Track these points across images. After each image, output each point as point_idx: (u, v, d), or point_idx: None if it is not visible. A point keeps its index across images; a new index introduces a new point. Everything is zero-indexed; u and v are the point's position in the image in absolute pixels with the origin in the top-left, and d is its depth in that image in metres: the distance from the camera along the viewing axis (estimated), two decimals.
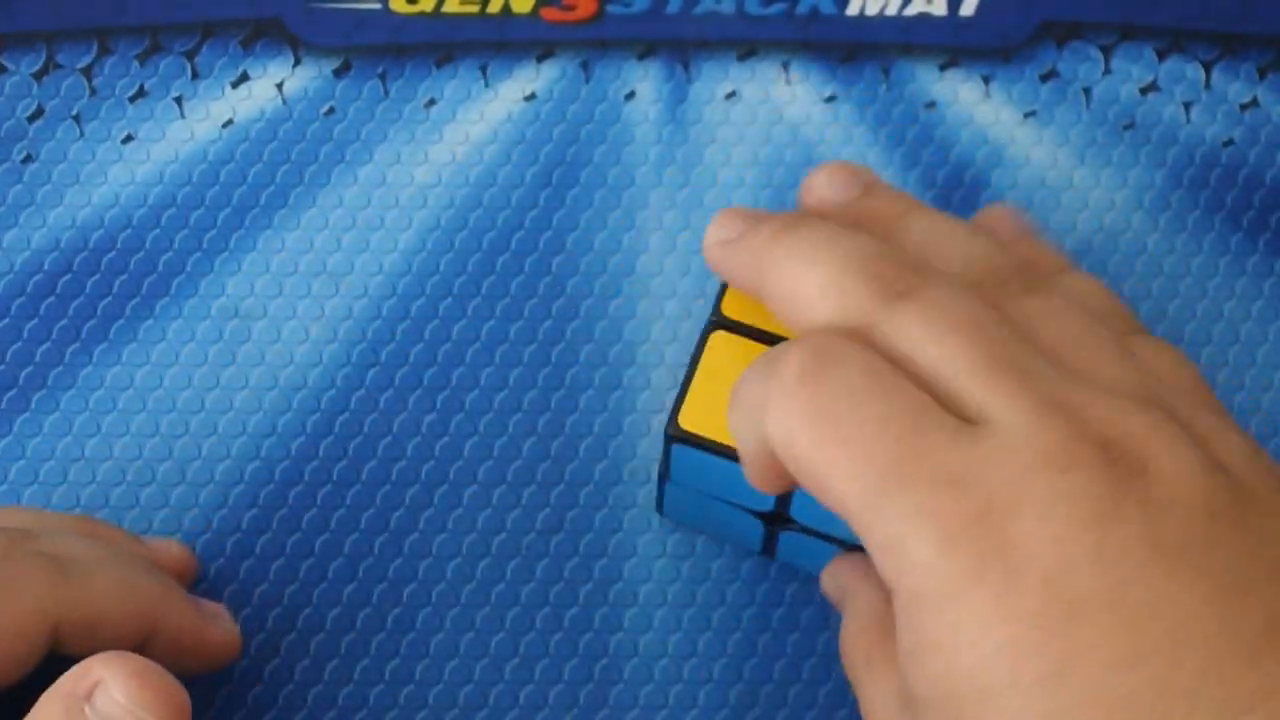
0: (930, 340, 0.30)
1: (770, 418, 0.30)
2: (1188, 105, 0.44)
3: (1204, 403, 0.32)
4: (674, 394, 0.40)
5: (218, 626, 0.36)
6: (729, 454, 0.35)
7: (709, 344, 0.36)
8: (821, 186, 0.37)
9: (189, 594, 0.37)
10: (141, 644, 0.34)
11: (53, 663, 0.33)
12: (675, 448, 0.35)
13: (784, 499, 0.36)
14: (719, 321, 0.36)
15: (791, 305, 0.32)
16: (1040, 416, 0.29)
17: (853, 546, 0.36)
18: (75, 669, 0.31)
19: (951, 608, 0.28)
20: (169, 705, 0.31)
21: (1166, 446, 0.29)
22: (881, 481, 0.29)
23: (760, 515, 0.37)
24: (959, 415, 0.30)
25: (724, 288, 0.36)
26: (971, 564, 0.28)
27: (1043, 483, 0.28)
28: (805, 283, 0.32)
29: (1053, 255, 0.38)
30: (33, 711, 0.31)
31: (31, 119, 0.43)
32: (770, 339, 0.36)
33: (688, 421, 0.35)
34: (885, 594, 0.32)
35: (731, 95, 0.44)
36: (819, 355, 0.30)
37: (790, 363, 0.30)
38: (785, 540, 0.38)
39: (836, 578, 0.36)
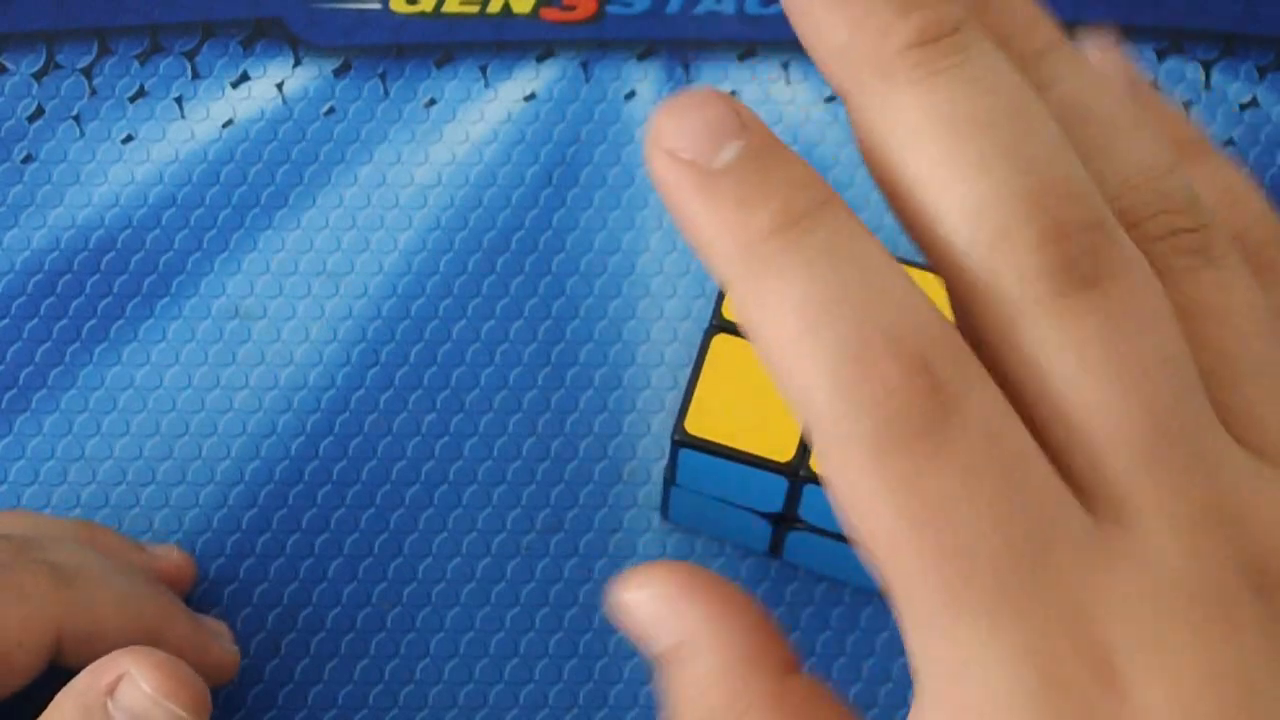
0: (1098, 374, 0.22)
1: (839, 472, 0.22)
2: (1188, 105, 0.44)
3: None
4: (674, 394, 0.40)
5: (218, 645, 0.36)
6: (737, 457, 0.35)
7: (711, 348, 0.36)
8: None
9: (191, 610, 0.37)
10: None
11: (51, 677, 0.33)
12: (683, 452, 0.35)
13: (792, 500, 0.36)
14: (720, 325, 0.36)
15: (922, 220, 0.23)
16: (1191, 535, 0.22)
17: None
18: (95, 665, 0.31)
19: None
20: (193, 696, 0.31)
21: None
22: (976, 609, 0.21)
23: (768, 516, 0.37)
24: (1091, 495, 0.22)
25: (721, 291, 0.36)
26: (1073, 709, 0.21)
27: (1180, 632, 0.21)
28: (952, 191, 0.22)
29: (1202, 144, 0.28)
30: (47, 712, 0.31)
31: (32, 119, 0.43)
32: None
33: (694, 426, 0.35)
34: (743, 653, 0.24)
35: (731, 95, 0.44)
36: (932, 397, 0.21)
37: (891, 403, 0.21)
38: (793, 540, 0.38)
39: (665, 618, 0.24)
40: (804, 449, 0.35)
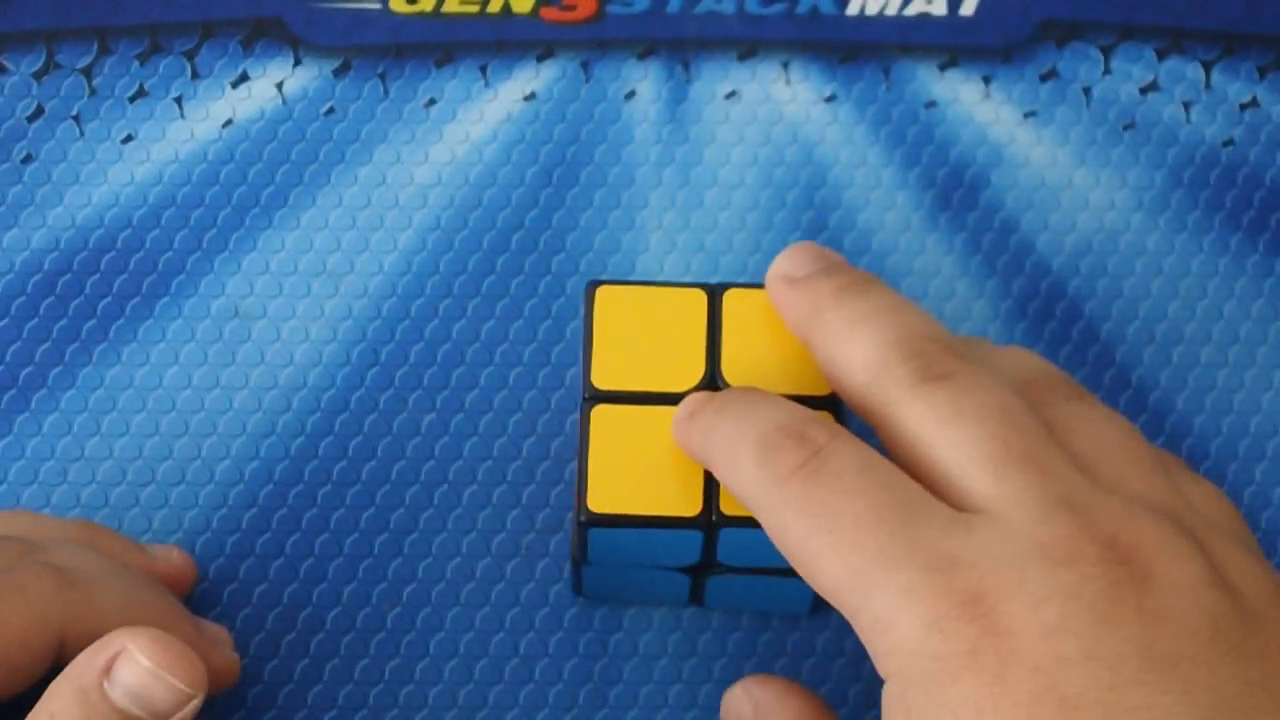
0: (950, 424, 0.31)
1: (759, 510, 0.31)
2: (1187, 105, 0.44)
3: (1233, 534, 0.32)
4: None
5: (218, 652, 0.36)
6: (646, 522, 0.35)
7: (592, 421, 0.35)
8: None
9: (193, 615, 0.37)
10: None
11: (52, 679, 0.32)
12: (592, 532, 0.35)
13: (709, 547, 0.35)
14: (594, 397, 0.36)
15: (831, 366, 0.33)
16: (1045, 510, 0.29)
17: (787, 571, 0.36)
18: (92, 646, 0.32)
19: (942, 691, 0.28)
20: (191, 669, 0.32)
21: (1174, 557, 0.29)
22: (871, 565, 0.29)
23: (688, 570, 0.37)
24: (961, 506, 0.30)
25: (588, 359, 0.36)
26: (962, 647, 0.28)
27: (1037, 573, 0.28)
28: (852, 349, 0.33)
29: None
30: (41, 700, 0.31)
31: (31, 119, 0.43)
32: (649, 398, 0.35)
33: (597, 503, 0.35)
34: (807, 709, 0.35)
35: (731, 95, 0.44)
36: (813, 452, 0.31)
37: (785, 460, 0.31)
38: (713, 585, 0.37)
39: (749, 694, 0.36)
40: (709, 497, 0.35)
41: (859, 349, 0.33)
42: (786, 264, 0.35)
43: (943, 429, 0.31)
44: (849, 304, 0.34)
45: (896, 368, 0.32)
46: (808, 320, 0.34)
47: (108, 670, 0.31)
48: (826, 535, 0.30)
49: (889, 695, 0.29)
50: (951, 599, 0.28)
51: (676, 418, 0.35)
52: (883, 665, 0.29)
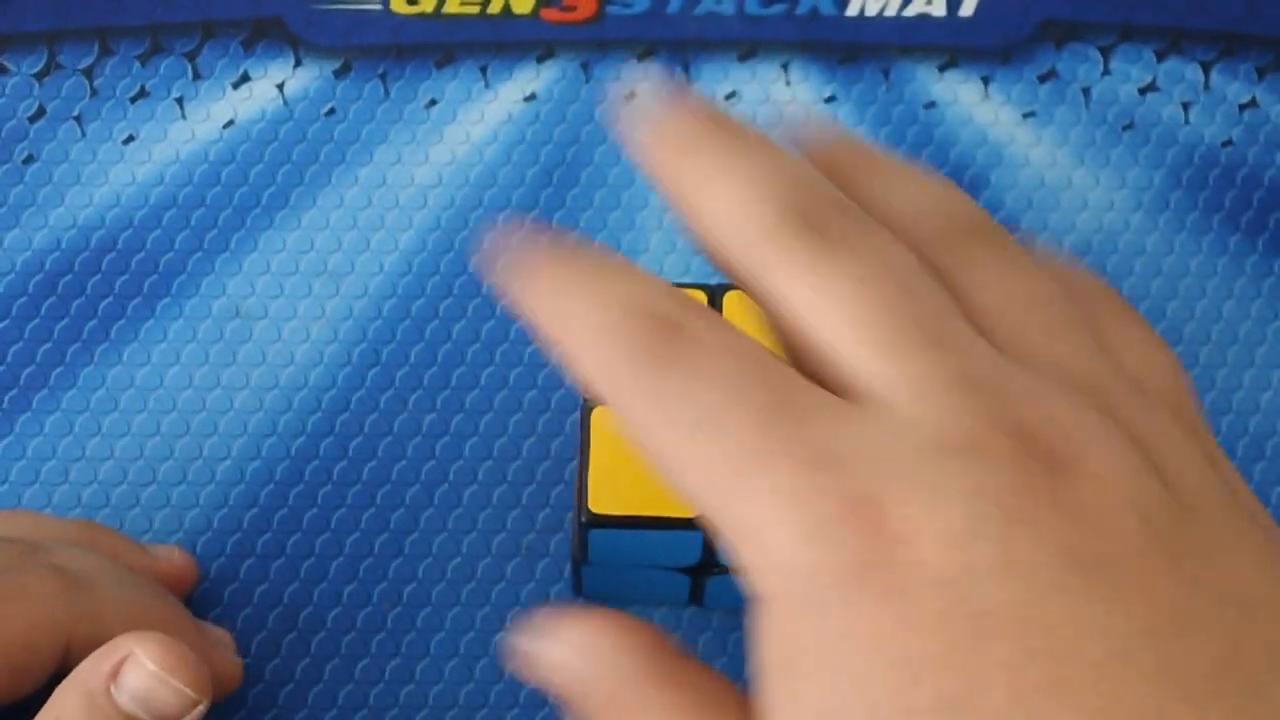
0: (834, 293, 0.26)
1: (617, 407, 0.26)
2: (1186, 106, 0.44)
3: (1174, 409, 0.27)
4: None
5: (221, 655, 0.36)
6: (647, 523, 0.35)
7: (592, 423, 0.35)
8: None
9: (195, 618, 0.37)
10: None
11: (58, 683, 0.33)
12: (592, 532, 0.35)
13: (709, 547, 0.35)
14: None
15: (696, 219, 0.28)
16: (947, 395, 0.24)
17: None
18: (97, 652, 0.32)
19: (830, 613, 0.23)
20: (197, 673, 0.32)
21: (1097, 444, 0.24)
22: (738, 461, 0.24)
23: (687, 570, 0.37)
24: (849, 392, 0.25)
25: None
26: (848, 560, 0.23)
27: (935, 469, 0.24)
28: (720, 196, 0.27)
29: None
30: (48, 704, 0.31)
31: (33, 119, 0.43)
32: None
33: (597, 504, 0.35)
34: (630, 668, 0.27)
35: (731, 95, 0.44)
36: (668, 331, 0.25)
37: (643, 346, 0.25)
38: (714, 585, 0.37)
39: (564, 663, 0.27)
40: None
41: (728, 195, 0.27)
42: (655, 113, 0.29)
43: (825, 300, 0.26)
44: (718, 146, 0.28)
45: (772, 225, 0.26)
46: (669, 164, 0.28)
47: (114, 675, 0.31)
48: (688, 430, 0.24)
49: (764, 623, 0.24)
50: (836, 501, 0.23)
51: (503, 260, 0.28)
52: (755, 585, 0.24)
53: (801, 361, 0.26)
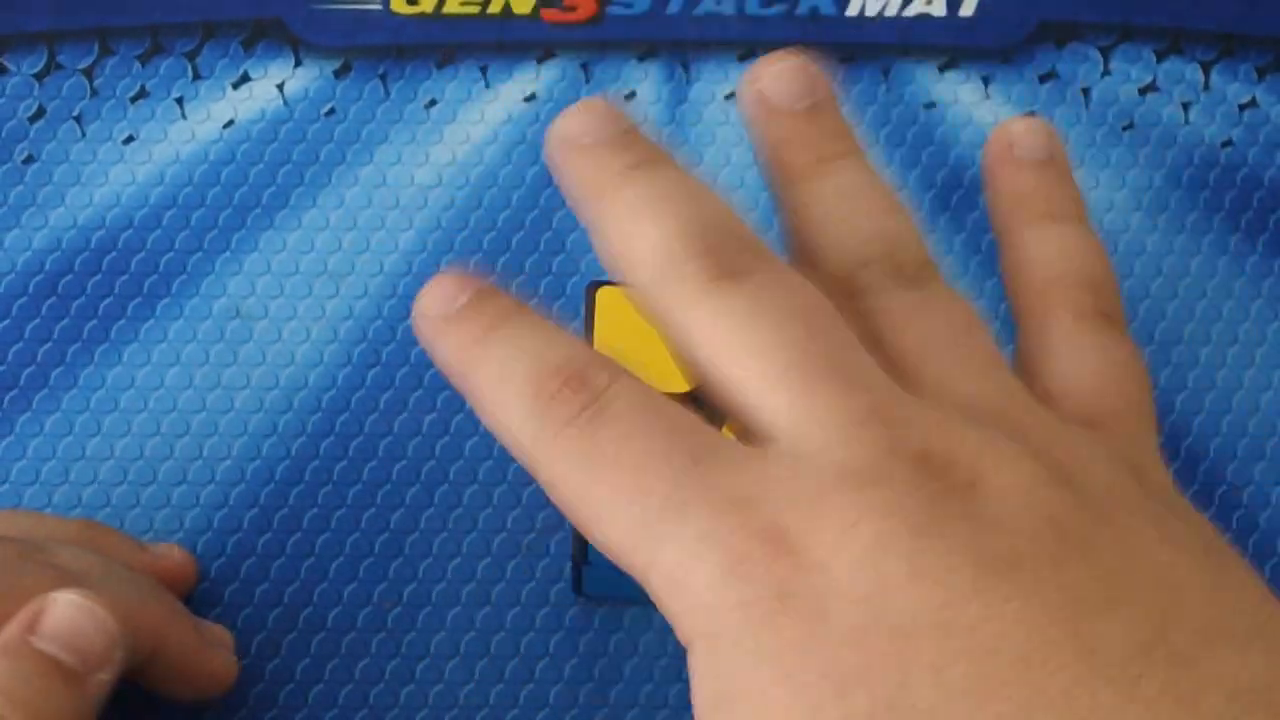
0: (741, 331, 0.27)
1: (534, 465, 0.27)
2: (1186, 106, 0.44)
3: (1086, 423, 0.29)
4: None
5: (217, 656, 0.36)
6: None
7: None
8: (770, 80, 0.32)
9: (195, 617, 0.37)
10: (143, 665, 0.34)
11: None
12: None
13: None
14: None
15: (615, 260, 0.29)
16: (846, 430, 0.26)
17: None
18: (16, 615, 0.32)
19: (756, 641, 0.24)
20: (110, 617, 0.32)
21: (1000, 462, 0.25)
22: (657, 514, 0.25)
23: None
24: (758, 430, 0.27)
25: None
26: (770, 591, 0.24)
27: (841, 500, 0.25)
28: (636, 241, 0.28)
29: None
30: None
31: (33, 119, 0.43)
32: None
33: None
34: None
35: (731, 95, 0.44)
36: (592, 397, 0.27)
37: (561, 409, 0.27)
38: None
39: None
40: None
41: (644, 241, 0.28)
42: (572, 123, 0.31)
43: (734, 337, 0.27)
44: (637, 185, 0.29)
45: (685, 264, 0.28)
46: (589, 200, 0.30)
47: (32, 627, 0.31)
48: (607, 487, 0.26)
49: (696, 664, 0.25)
50: (751, 539, 0.25)
51: (421, 314, 0.30)
52: (683, 629, 0.25)
53: (713, 398, 0.27)
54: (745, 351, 0.27)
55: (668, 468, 0.26)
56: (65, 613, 0.32)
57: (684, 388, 0.35)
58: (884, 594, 0.24)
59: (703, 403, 0.35)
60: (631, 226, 0.29)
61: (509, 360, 0.28)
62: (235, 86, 0.44)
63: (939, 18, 0.45)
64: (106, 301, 0.41)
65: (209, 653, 0.36)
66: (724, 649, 0.25)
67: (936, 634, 0.23)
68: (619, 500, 0.26)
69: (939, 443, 0.26)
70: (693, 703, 0.25)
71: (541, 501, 0.40)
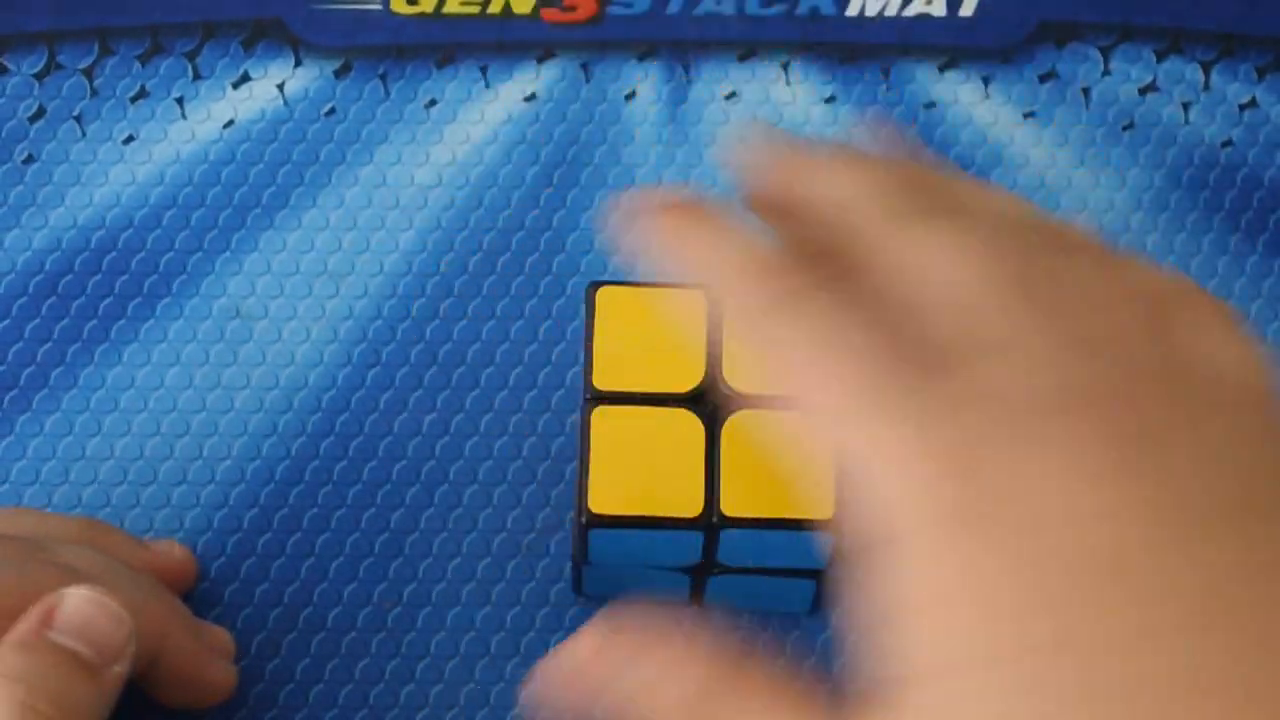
0: (943, 260, 0.27)
1: (759, 314, 0.27)
2: (1186, 106, 0.44)
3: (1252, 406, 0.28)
4: None
5: (217, 665, 0.36)
6: (647, 523, 0.35)
7: (593, 422, 0.35)
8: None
9: (196, 620, 0.37)
10: (144, 668, 0.34)
11: None
12: (593, 532, 0.35)
13: (710, 547, 0.35)
14: (595, 397, 0.36)
15: (822, 192, 0.29)
16: (1054, 353, 0.26)
17: (787, 571, 0.36)
18: (25, 613, 0.32)
19: (952, 554, 0.24)
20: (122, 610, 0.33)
21: (1177, 407, 0.25)
22: (882, 386, 0.25)
23: (688, 570, 0.37)
24: (965, 349, 0.26)
25: (588, 359, 0.36)
26: (982, 498, 0.24)
27: (1044, 422, 0.25)
28: (840, 184, 0.29)
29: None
30: None
31: (33, 119, 0.43)
32: (649, 399, 0.35)
33: (598, 504, 0.35)
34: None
35: (731, 95, 0.44)
36: (819, 279, 0.27)
37: (787, 270, 0.27)
38: (714, 585, 0.37)
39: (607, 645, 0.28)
40: (709, 498, 0.35)
41: (848, 186, 0.29)
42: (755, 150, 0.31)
43: (933, 266, 0.27)
44: (831, 157, 0.30)
45: (881, 201, 0.28)
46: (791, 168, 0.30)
47: (48, 622, 0.32)
48: (855, 349, 0.26)
49: (874, 568, 0.25)
50: (970, 453, 0.24)
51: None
52: (878, 522, 0.25)
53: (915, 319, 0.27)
54: (943, 279, 0.27)
55: (893, 349, 0.26)
56: (79, 606, 0.32)
57: (684, 388, 0.36)
58: (1095, 522, 0.24)
59: (703, 403, 0.35)
60: (837, 179, 0.29)
61: (741, 242, 0.29)
62: (235, 86, 0.44)
63: (939, 18, 0.45)
64: (106, 301, 0.41)
65: (208, 656, 0.36)
66: (915, 556, 0.24)
67: (1139, 573, 0.23)
68: (863, 363, 0.25)
69: (1126, 381, 0.25)
70: (877, 597, 0.25)
71: (541, 501, 0.40)
